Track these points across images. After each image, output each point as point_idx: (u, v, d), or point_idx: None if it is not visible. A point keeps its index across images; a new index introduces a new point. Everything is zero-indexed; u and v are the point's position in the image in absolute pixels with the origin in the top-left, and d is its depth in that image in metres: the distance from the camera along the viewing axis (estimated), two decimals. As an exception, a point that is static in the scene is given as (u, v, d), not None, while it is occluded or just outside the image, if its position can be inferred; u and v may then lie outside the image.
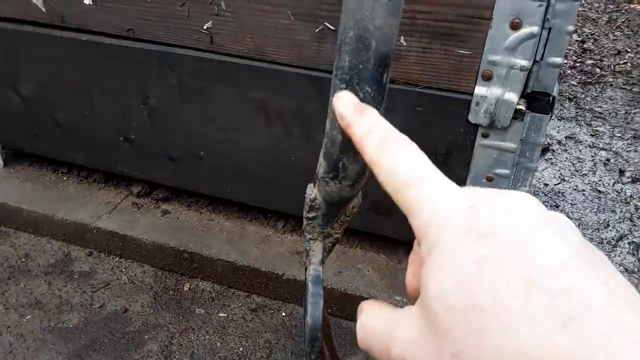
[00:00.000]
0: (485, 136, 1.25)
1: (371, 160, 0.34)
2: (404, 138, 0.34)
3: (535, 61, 1.15)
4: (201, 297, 1.55)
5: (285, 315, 1.50)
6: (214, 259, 1.56)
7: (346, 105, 0.39)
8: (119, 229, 1.62)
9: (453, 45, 1.17)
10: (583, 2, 4.31)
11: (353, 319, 1.49)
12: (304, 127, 1.40)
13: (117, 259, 1.66)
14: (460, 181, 1.33)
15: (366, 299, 1.43)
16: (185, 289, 1.58)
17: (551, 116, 1.25)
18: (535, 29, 1.08)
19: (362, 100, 0.65)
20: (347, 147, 0.70)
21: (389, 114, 1.48)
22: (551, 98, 1.22)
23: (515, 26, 1.09)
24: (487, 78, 1.17)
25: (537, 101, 1.22)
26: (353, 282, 1.50)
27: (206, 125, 1.49)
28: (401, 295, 1.46)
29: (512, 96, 1.17)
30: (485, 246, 0.25)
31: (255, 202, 1.63)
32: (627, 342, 0.21)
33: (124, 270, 1.63)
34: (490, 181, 1.29)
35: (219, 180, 1.60)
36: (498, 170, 1.28)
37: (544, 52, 1.13)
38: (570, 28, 1.10)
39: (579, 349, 0.21)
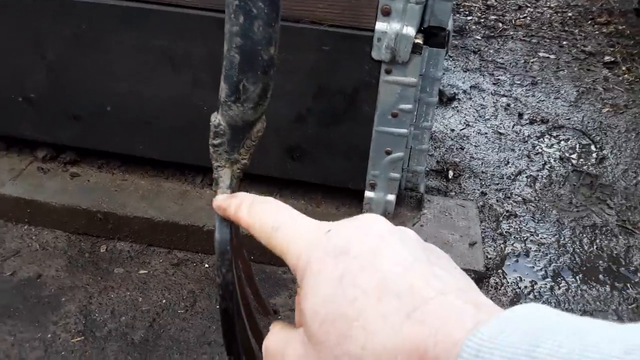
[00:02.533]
0: (388, 72, 1.30)
1: (247, 225, 0.39)
2: (267, 198, 0.40)
3: (429, -4, 1.20)
4: (119, 257, 1.52)
5: (208, 266, 1.51)
6: (130, 217, 1.53)
7: (220, 198, 0.46)
8: (26, 194, 1.54)
9: (352, -18, 1.20)
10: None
11: (275, 263, 1.53)
12: (214, 73, 1.39)
13: (25, 226, 1.58)
14: (369, 120, 1.38)
15: None
16: (102, 250, 1.54)
17: (447, 51, 1.33)
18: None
19: (256, 16, 0.66)
20: (247, 67, 0.71)
21: (298, 54, 1.51)
22: (446, 32, 1.28)
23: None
24: (386, 13, 1.21)
25: (433, 36, 1.29)
26: (273, 228, 1.52)
27: (109, 78, 1.44)
28: (320, 235, 1.51)
29: (410, 30, 1.22)
30: (342, 263, 0.29)
31: (170, 156, 1.61)
32: (456, 319, 0.25)
33: (34, 237, 1.56)
34: (396, 117, 1.36)
35: (129, 136, 1.56)
36: (402, 106, 1.34)
37: (436, -13, 1.19)
38: (459, -38, 1.16)
39: (421, 331, 0.26)
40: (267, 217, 0.37)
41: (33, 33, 1.39)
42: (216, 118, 0.80)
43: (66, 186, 1.60)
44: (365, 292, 0.28)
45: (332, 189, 1.62)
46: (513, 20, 3.43)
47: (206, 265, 1.51)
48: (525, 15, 3.54)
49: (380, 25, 1.23)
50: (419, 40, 1.25)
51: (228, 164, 0.85)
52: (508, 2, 3.73)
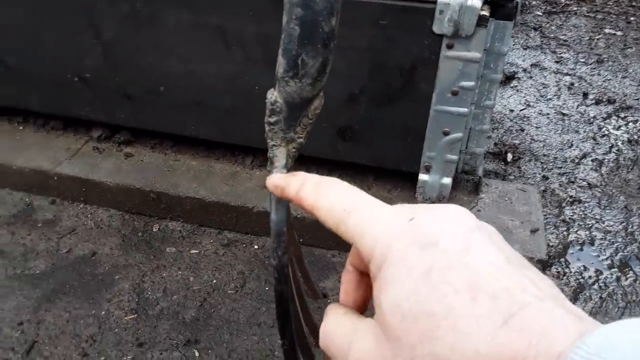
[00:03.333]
0: (449, 47, 1.22)
1: (311, 205, 0.36)
2: (335, 179, 0.37)
3: (496, -37, 1.12)
4: (171, 236, 1.52)
5: (258, 247, 1.50)
6: (182, 197, 1.53)
7: (276, 177, 0.42)
8: (81, 174, 1.57)
9: (412, -49, 1.13)
10: None
11: (325, 246, 1.50)
12: (265, 51, 1.35)
13: (81, 205, 1.61)
14: (426, 98, 1.32)
15: None
16: (154, 230, 1.55)
17: (515, 23, 1.24)
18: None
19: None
20: (306, 40, 0.66)
21: (353, 30, 1.44)
22: (515, 4, 1.19)
23: None
24: (448, -16, 1.14)
25: (500, 7, 1.20)
26: (324, 210, 1.48)
27: (163, 57, 1.43)
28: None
29: (476, 2, 1.14)
30: (430, 256, 0.27)
31: (221, 137, 1.59)
32: (558, 329, 0.23)
33: (89, 215, 1.58)
34: (456, 95, 1.28)
35: (181, 117, 1.55)
36: (463, 83, 1.26)
37: (504, -46, 1.11)
38: None
39: (520, 340, 0.24)
40: (338, 198, 0.34)
41: (88, 12, 1.39)
42: (273, 95, 0.76)
43: (120, 166, 1.62)
44: (457, 290, 0.26)
45: (384, 172, 1.57)
46: (576, -5, 3.23)
47: (255, 247, 1.50)
48: (589, -10, 3.32)
49: (441, -3, 1.15)
50: (485, 12, 1.17)
51: (284, 143, 0.81)
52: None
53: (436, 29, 1.21)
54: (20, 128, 1.76)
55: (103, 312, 1.29)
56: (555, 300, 0.25)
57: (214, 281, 1.38)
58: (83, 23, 1.41)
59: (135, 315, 1.28)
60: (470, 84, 1.26)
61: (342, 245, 1.49)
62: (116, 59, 1.47)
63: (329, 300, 1.34)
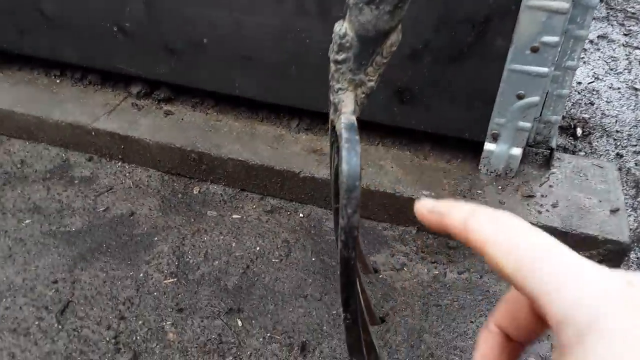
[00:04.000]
0: (533, -4, 1.08)
1: (483, 239, 0.29)
2: (514, 216, 0.30)
3: None
4: (212, 200, 1.44)
5: (303, 216, 1.40)
6: (224, 159, 1.44)
7: (431, 202, 0.35)
8: (120, 130, 1.49)
9: None
10: None
11: (376, 218, 1.39)
12: (320, 0, 1.23)
13: (119, 163, 1.54)
14: (500, 56, 1.18)
15: (391, 194, 1.26)
16: (194, 192, 1.46)
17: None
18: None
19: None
20: None
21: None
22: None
23: None
24: None
25: (595, -48, 1.05)
26: (376, 179, 1.37)
27: (207, 5, 1.32)
28: (428, 190, 1.34)
29: (570, -59, 0.99)
30: None
31: (266, 97, 1.49)
32: None
33: (127, 174, 1.51)
34: (536, 52, 1.14)
35: (226, 73, 1.45)
36: (546, 38, 1.12)
37: None
38: None
39: None
40: (525, 237, 0.27)
41: (132, -47, 1.29)
42: (342, 26, 0.63)
43: (160, 124, 1.53)
44: None
45: (443, 140, 1.44)
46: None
47: (301, 215, 1.40)
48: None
49: None
50: (578, -45, 1.02)
51: (352, 86, 0.68)
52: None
53: (520, -26, 1.06)
54: (58, 81, 1.69)
55: (141, 275, 1.21)
56: None
57: (257, 248, 1.29)
58: (127, -34, 1.32)
59: (175, 279, 1.20)
60: (554, 39, 1.11)
61: (394, 217, 1.38)
62: (158, 7, 1.37)
63: (380, 275, 1.24)
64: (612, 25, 2.36)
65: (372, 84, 0.67)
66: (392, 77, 1.31)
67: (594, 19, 2.40)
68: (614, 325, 0.23)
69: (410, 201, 1.37)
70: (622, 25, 2.36)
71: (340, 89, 0.67)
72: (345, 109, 0.66)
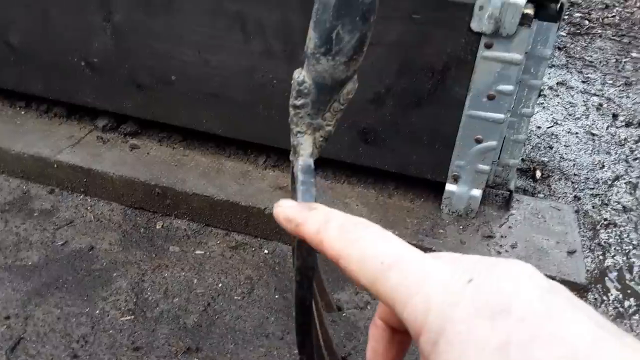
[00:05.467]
0: (488, 47, 1.13)
1: (336, 253, 0.28)
2: (365, 220, 0.30)
3: (547, -43, 1.03)
4: (175, 235, 1.42)
5: (268, 252, 1.39)
6: (189, 194, 1.43)
7: (289, 208, 0.34)
8: (83, 163, 1.48)
9: (457, -61, 1.05)
10: (569, -41, 4.22)
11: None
12: (286, 43, 1.26)
13: (81, 196, 1.52)
14: (459, 102, 1.22)
15: None
16: (157, 227, 1.45)
17: (559, 26, 1.15)
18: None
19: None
20: (344, 11, 0.57)
21: (382, 23, 1.33)
22: (560, 4, 1.11)
23: None
24: (494, -24, 1.05)
25: (544, 8, 1.11)
26: (341, 217, 1.38)
27: (177, 43, 1.34)
28: (392, 229, 1.36)
29: (521, -3, 1.06)
30: (504, 328, 0.22)
31: (233, 133, 1.50)
32: None
33: (89, 208, 1.49)
34: (492, 100, 1.19)
35: (193, 109, 1.46)
36: (501, 87, 1.17)
37: (557, -54, 1.02)
38: None
39: None
40: (373, 247, 0.27)
41: (103, -10, 1.31)
42: (300, 74, 0.66)
43: (125, 158, 1.52)
44: None
45: (406, 179, 1.47)
46: (600, 19, 3.16)
47: (265, 252, 1.39)
48: (613, 14, 3.25)
49: (485, -10, 1.07)
50: (529, 11, 1.08)
51: (310, 130, 0.70)
52: (594, 0, 3.45)
53: (474, 26, 1.12)
54: (22, 113, 1.67)
55: (97, 311, 1.18)
56: None
57: (219, 285, 1.27)
58: (94, 3, 1.33)
59: (133, 316, 1.17)
60: (509, 88, 1.16)
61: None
62: (127, 43, 1.38)
63: (344, 314, 1.23)
64: (571, 72, 2.47)
65: (330, 128, 0.69)
66: (356, 119, 1.34)
67: (553, 66, 2.52)
68: (460, 327, 0.23)
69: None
70: (581, 72, 2.48)
71: (299, 132, 0.68)
72: (304, 151, 0.68)
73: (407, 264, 0.26)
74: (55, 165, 1.49)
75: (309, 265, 0.48)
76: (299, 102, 0.66)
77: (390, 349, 0.33)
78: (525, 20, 1.09)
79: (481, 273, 0.24)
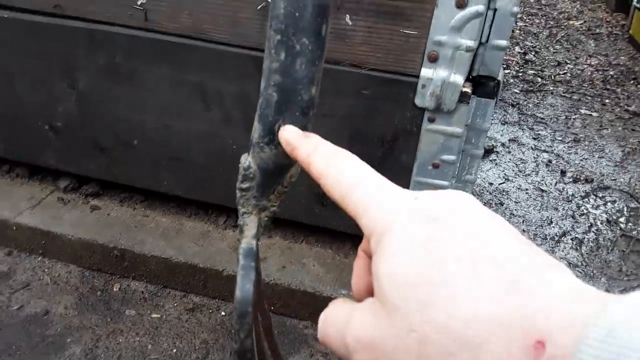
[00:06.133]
0: (431, 120, 1.21)
1: (318, 173, 0.36)
2: (347, 152, 0.37)
3: (480, 43, 1.13)
4: (132, 297, 1.43)
5: (225, 314, 1.41)
6: (147, 256, 1.45)
7: (291, 133, 0.43)
8: (42, 225, 1.49)
9: (399, 25, 1.14)
10: (525, 17, 4.48)
11: (297, 316, 1.42)
12: (245, 111, 1.33)
13: (39, 258, 1.52)
14: (407, 169, 1.29)
15: (311, 294, 1.34)
16: (114, 289, 1.45)
17: (496, 101, 1.24)
18: (480, 7, 1.06)
19: (299, 52, 0.59)
20: (284, 107, 0.63)
21: (335, 98, 1.42)
22: (496, 82, 1.20)
23: (461, 5, 1.07)
24: (433, 59, 1.14)
25: (482, 86, 1.21)
26: (298, 277, 1.42)
27: (140, 110, 1.39)
28: (347, 288, 1.40)
29: (458, 78, 1.14)
30: (430, 228, 0.27)
31: (194, 195, 1.54)
32: (577, 296, 0.23)
33: (46, 270, 1.49)
34: (437, 168, 1.26)
35: (154, 172, 1.50)
36: (444, 157, 1.25)
37: (489, 34, 1.12)
38: (515, 9, 1.09)
39: (525, 307, 0.23)
40: (347, 170, 0.34)
41: (65, 61, 1.36)
42: (246, 160, 0.71)
43: (85, 219, 1.54)
44: (458, 257, 0.25)
45: (362, 239, 1.52)
46: (552, 76, 3.35)
47: (222, 313, 1.41)
48: (565, 71, 3.46)
49: (425, 72, 1.15)
50: (467, 89, 1.17)
51: (256, 211, 0.75)
52: (547, 58, 3.66)
53: (418, 102, 1.20)
54: (-16, 173, 1.68)
55: (47, 381, 1.18)
56: (565, 271, 0.24)
57: (174, 350, 1.28)
58: (59, 70, 1.38)
59: (82, 386, 1.17)
60: (452, 157, 1.24)
61: (314, 316, 1.41)
62: (90, 109, 1.42)
63: (296, 378, 1.25)
64: (522, 129, 2.61)
65: (274, 208, 0.74)
66: (312, 183, 1.39)
67: (506, 123, 2.65)
68: (398, 226, 0.28)
69: (330, 300, 1.42)
70: (532, 129, 2.62)
71: (245, 212, 0.73)
72: (248, 232, 0.72)
73: (369, 184, 0.32)
74: (14, 228, 1.49)
75: (247, 348, 0.52)
76: (244, 186, 0.71)
77: (369, 273, 0.37)
78: (464, 97, 1.18)
79: (425, 194, 0.30)
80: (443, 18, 1.09)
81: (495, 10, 1.09)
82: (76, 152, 1.52)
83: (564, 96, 3.07)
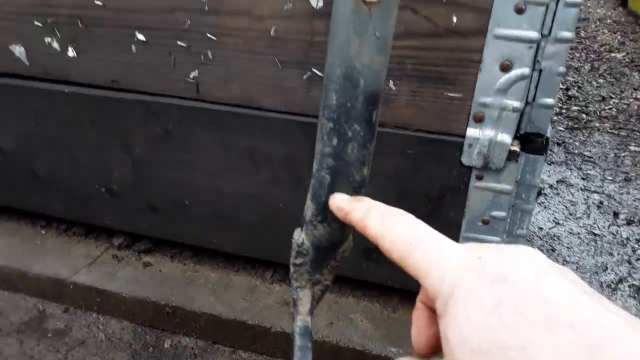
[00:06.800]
0: (479, 178, 1.21)
1: (375, 235, 0.36)
2: (402, 211, 0.37)
3: (527, 102, 1.12)
4: (183, 354, 1.45)
5: (274, 373, 1.41)
6: (197, 313, 1.47)
7: (342, 199, 0.44)
8: (97, 284, 1.54)
9: (442, 88, 1.15)
10: (564, 50, 4.43)
11: (347, 376, 1.40)
12: (292, 173, 1.36)
13: (94, 314, 1.56)
14: (456, 225, 1.28)
15: (360, 351, 1.33)
16: (166, 345, 1.48)
17: (545, 157, 1.22)
18: (526, 70, 1.06)
19: (351, 138, 0.61)
20: (337, 188, 0.64)
21: (380, 158, 1.45)
22: (545, 139, 1.19)
23: (505, 68, 1.08)
24: (479, 120, 1.14)
25: (530, 142, 1.20)
26: (346, 334, 1.41)
27: (191, 173, 1.44)
28: (396, 346, 1.38)
29: (506, 137, 1.14)
30: (499, 291, 0.26)
31: (242, 251, 1.56)
32: None
33: (101, 327, 1.53)
34: (487, 224, 1.25)
35: (204, 229, 1.54)
36: (494, 213, 1.23)
37: (535, 94, 1.12)
38: (561, 69, 1.09)
39: None
40: (404, 230, 0.34)
41: (122, 130, 1.43)
42: (300, 236, 0.73)
43: (138, 276, 1.58)
44: (531, 321, 0.25)
45: (409, 294, 1.50)
46: (598, 112, 3.27)
47: (272, 372, 1.41)
48: (610, 106, 3.38)
49: (471, 132, 1.16)
50: (515, 148, 1.16)
51: (309, 285, 0.77)
52: (590, 92, 3.59)
53: (465, 161, 1.20)
54: (43, 232, 1.76)
55: None
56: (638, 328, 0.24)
57: (225, 412, 1.28)
58: (116, 138, 1.45)
59: None
60: (502, 214, 1.23)
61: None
62: (145, 173, 1.48)
63: None
64: (570, 169, 2.55)
65: (327, 282, 0.75)
66: (360, 239, 1.40)
67: (553, 163, 2.60)
68: (465, 289, 0.27)
69: (380, 358, 1.40)
70: (580, 169, 2.55)
71: (298, 287, 0.74)
72: (302, 307, 0.73)
73: (429, 244, 0.32)
74: (71, 286, 1.55)
75: None
76: (298, 261, 0.73)
77: (430, 327, 0.37)
78: (512, 156, 1.17)
79: (490, 252, 0.30)
80: (487, 81, 1.10)
81: (540, 70, 1.09)
82: (130, 212, 1.58)
83: (611, 132, 2.99)
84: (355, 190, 0.66)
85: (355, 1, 0.44)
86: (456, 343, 0.27)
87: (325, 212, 0.66)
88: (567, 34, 1.05)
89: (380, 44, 0.49)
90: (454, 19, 1.08)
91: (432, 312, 0.38)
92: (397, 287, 1.49)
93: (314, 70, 1.22)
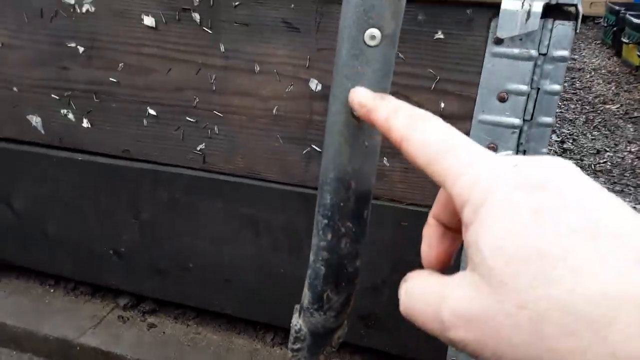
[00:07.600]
0: (470, 251, 1.27)
1: (399, 137, 0.33)
2: (430, 113, 0.34)
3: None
4: (185, 418, 1.47)
5: None
6: (199, 378, 1.51)
7: (365, 94, 0.38)
8: (103, 346, 1.58)
9: (434, 165, 1.23)
10: (560, 103, 4.55)
11: None
12: (292, 240, 1.42)
13: (98, 376, 1.60)
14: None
15: None
16: (168, 409, 1.50)
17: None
18: (510, 153, 1.14)
19: (344, 234, 0.68)
20: (331, 279, 0.71)
21: (376, 228, 1.51)
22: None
23: (491, 150, 1.15)
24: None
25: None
26: (344, 401, 1.44)
27: (196, 238, 1.51)
28: (394, 415, 1.40)
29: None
30: (539, 197, 0.25)
31: (243, 313, 1.61)
32: None
33: (105, 389, 1.56)
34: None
35: (207, 291, 1.59)
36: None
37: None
38: (544, 150, 1.16)
39: None
40: (435, 134, 0.31)
41: (131, 196, 1.51)
42: (297, 323, 0.79)
43: (142, 338, 1.62)
44: (574, 229, 0.23)
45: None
46: (592, 165, 3.35)
47: None
48: (604, 160, 3.46)
49: (462, 207, 1.22)
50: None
51: (306, 369, 0.82)
52: (585, 145, 3.68)
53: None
54: (51, 291, 1.81)
55: None
56: None
57: None
58: (125, 204, 1.53)
59: None
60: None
61: None
62: (151, 237, 1.55)
63: None
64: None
65: (324, 366, 0.80)
66: (357, 305, 1.45)
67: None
68: (501, 195, 0.25)
69: (377, 423, 1.42)
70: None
71: (297, 370, 0.80)
72: (299, 392, 0.78)
73: (461, 149, 0.30)
74: (77, 348, 1.59)
75: None
76: (296, 347, 0.78)
77: (441, 243, 0.36)
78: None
79: (526, 161, 0.28)
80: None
81: (524, 151, 1.16)
82: (136, 274, 1.63)
83: (606, 187, 3.05)
84: (349, 281, 0.72)
85: (346, 116, 0.50)
86: (490, 250, 0.25)
87: (321, 301, 0.72)
88: (548, 119, 1.13)
89: (369, 151, 0.56)
90: (442, 105, 1.16)
91: (446, 228, 0.37)
92: (394, 354, 1.52)
93: (313, 146, 1.30)
